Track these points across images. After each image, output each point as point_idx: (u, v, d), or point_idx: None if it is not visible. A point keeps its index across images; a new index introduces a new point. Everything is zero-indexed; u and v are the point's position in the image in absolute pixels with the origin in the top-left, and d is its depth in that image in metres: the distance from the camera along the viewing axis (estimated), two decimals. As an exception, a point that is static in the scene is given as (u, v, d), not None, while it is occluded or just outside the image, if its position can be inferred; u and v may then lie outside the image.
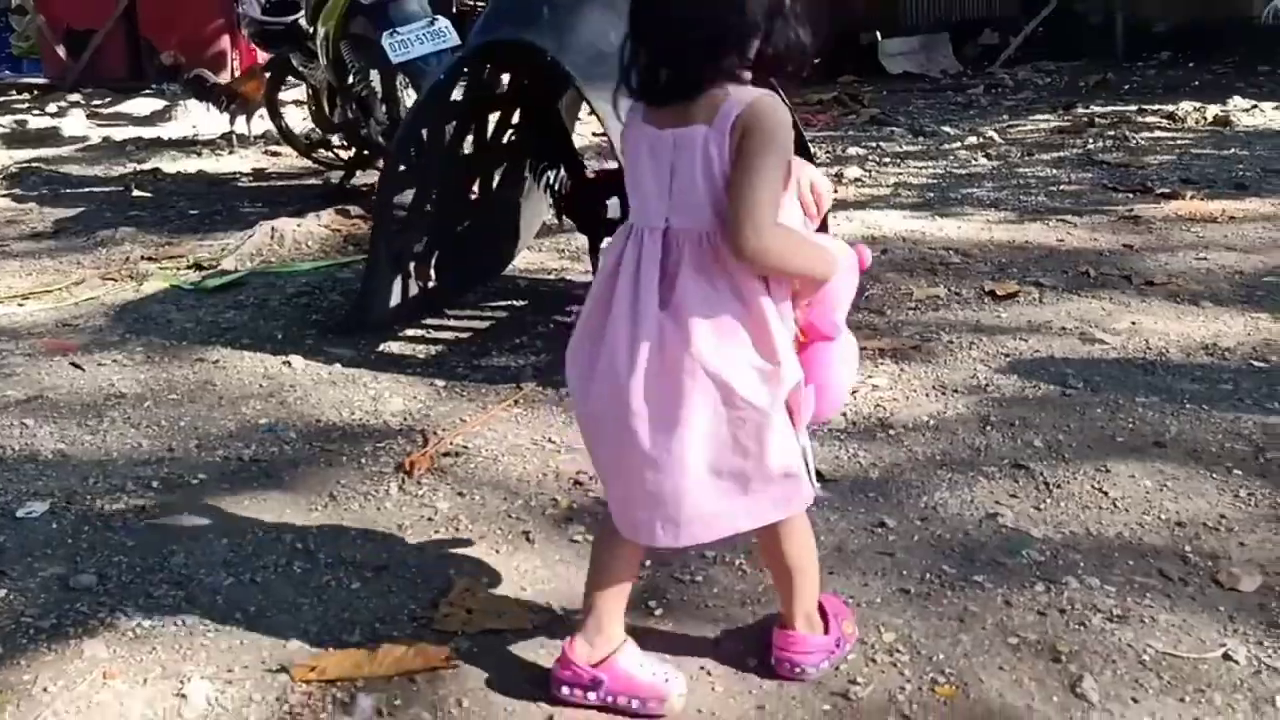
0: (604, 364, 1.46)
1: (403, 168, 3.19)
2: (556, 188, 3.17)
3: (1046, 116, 6.88)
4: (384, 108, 4.58)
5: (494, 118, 3.37)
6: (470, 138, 3.33)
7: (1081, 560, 1.91)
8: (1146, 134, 5.94)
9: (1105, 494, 2.15)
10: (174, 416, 2.64)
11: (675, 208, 1.43)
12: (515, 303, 3.48)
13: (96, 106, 8.88)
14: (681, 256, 1.42)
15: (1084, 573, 1.87)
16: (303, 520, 2.11)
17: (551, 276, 3.76)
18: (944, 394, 2.65)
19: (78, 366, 2.99)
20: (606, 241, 3.25)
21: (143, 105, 8.64)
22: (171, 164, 6.26)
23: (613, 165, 3.34)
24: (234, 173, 5.99)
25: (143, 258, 4.17)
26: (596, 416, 1.50)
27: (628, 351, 1.43)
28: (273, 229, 4.18)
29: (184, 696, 1.59)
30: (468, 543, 2.03)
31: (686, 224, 1.43)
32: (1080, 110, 6.83)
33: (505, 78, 3.31)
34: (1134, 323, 3.05)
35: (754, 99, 1.40)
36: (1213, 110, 6.33)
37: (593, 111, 2.66)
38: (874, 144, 6.07)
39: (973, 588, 1.84)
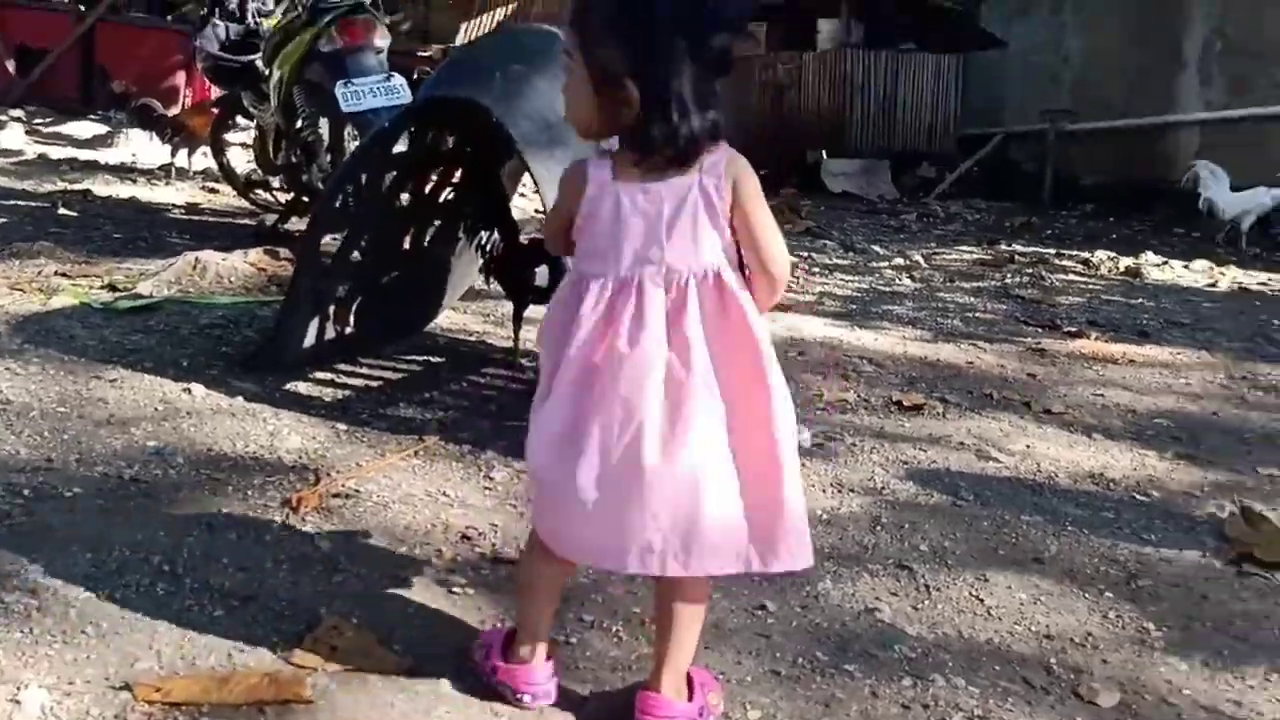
0: (617, 399, 1.51)
1: (335, 209, 3.19)
2: (489, 250, 3.20)
3: (971, 249, 7.14)
4: (329, 155, 4.60)
5: (435, 174, 3.41)
6: (408, 191, 3.35)
7: (950, 660, 1.94)
8: (1061, 276, 6.20)
9: (981, 601, 2.19)
10: (58, 429, 2.57)
11: (673, 252, 1.52)
12: (431, 358, 3.47)
13: (38, 124, 8.78)
14: (685, 297, 1.52)
15: (951, 673, 1.89)
16: (175, 544, 2.05)
17: (472, 338, 3.76)
18: (840, 491, 2.69)
19: (-32, 370, 2.90)
20: (533, 308, 3.32)
21: (85, 128, 8.57)
22: (104, 188, 6.19)
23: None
24: (167, 203, 5.93)
25: (56, 273, 4.09)
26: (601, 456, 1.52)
27: (650, 386, 1.50)
28: (196, 259, 4.13)
29: (18, 703, 1.52)
30: (343, 584, 1.99)
31: (688, 266, 1.53)
32: (1003, 247, 7.11)
33: (450, 137, 3.35)
34: (1028, 446, 3.14)
35: (730, 151, 1.55)
36: (1125, 261, 6.63)
37: (533, 178, 2.70)
38: (806, 254, 6.24)
39: (843, 675, 1.85)
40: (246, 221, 5.53)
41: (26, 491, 2.20)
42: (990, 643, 2.02)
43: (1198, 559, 2.46)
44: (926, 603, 2.15)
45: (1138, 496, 2.83)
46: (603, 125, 1.52)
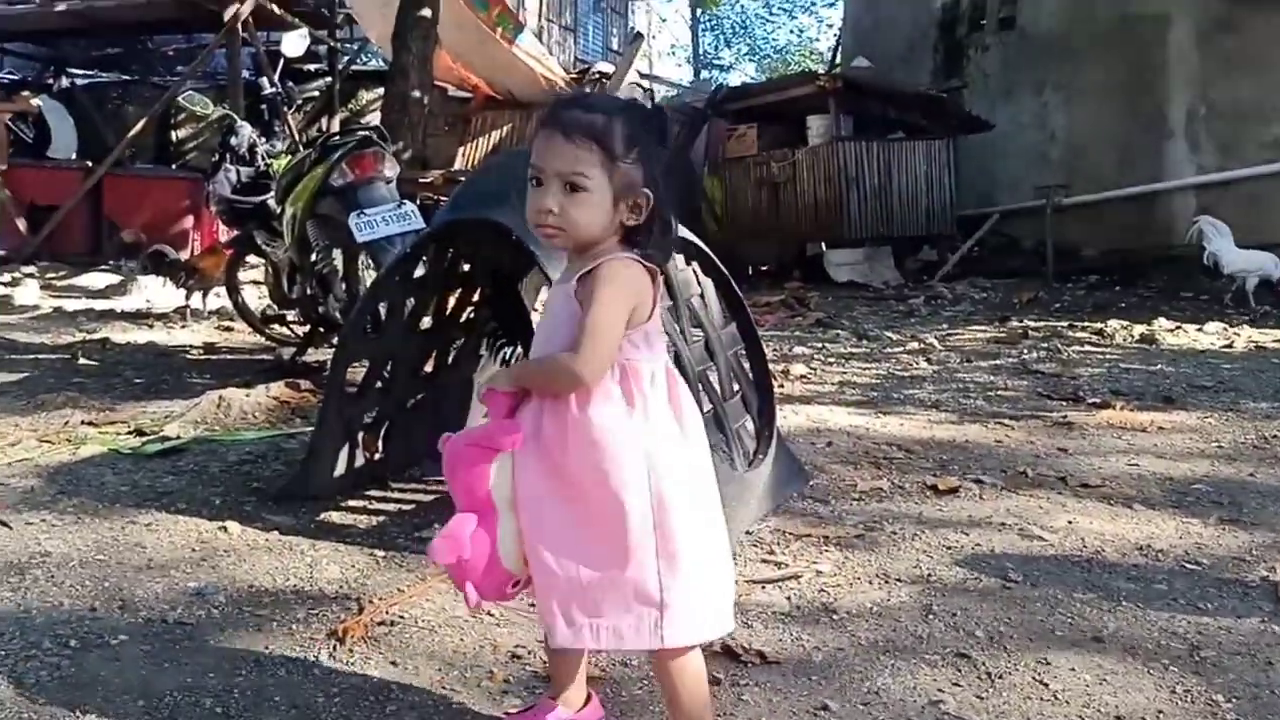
0: None
1: (360, 336, 3.23)
2: (512, 363, 3.23)
3: (983, 327, 7.18)
4: (344, 285, 4.67)
5: (455, 294, 3.46)
6: (429, 313, 3.40)
7: (1024, 750, 1.89)
8: (1077, 348, 6.21)
9: (1046, 685, 2.14)
10: (99, 577, 2.55)
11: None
12: (461, 478, 3.45)
13: (51, 279, 8.94)
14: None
15: (1027, 762, 1.84)
16: (225, 684, 2.03)
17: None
18: (887, 582, 2.66)
19: (4, 525, 2.90)
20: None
21: (98, 279, 8.72)
22: (122, 334, 6.27)
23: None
24: (185, 345, 6.00)
25: (82, 422, 4.12)
26: None
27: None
28: (220, 397, 4.17)
29: None
30: (398, 714, 1.95)
31: None
32: (1015, 323, 7.14)
33: (469, 258, 3.40)
34: (1070, 521, 3.11)
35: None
36: (1139, 329, 6.66)
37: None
38: (819, 344, 6.27)
39: (916, 774, 1.80)
40: (264, 357, 5.59)
41: (73, 642, 2.18)
42: (1062, 727, 1.97)
43: (1257, 625, 2.41)
44: (990, 691, 2.10)
45: (1188, 565, 2.79)
46: (604, 232, 1.67)
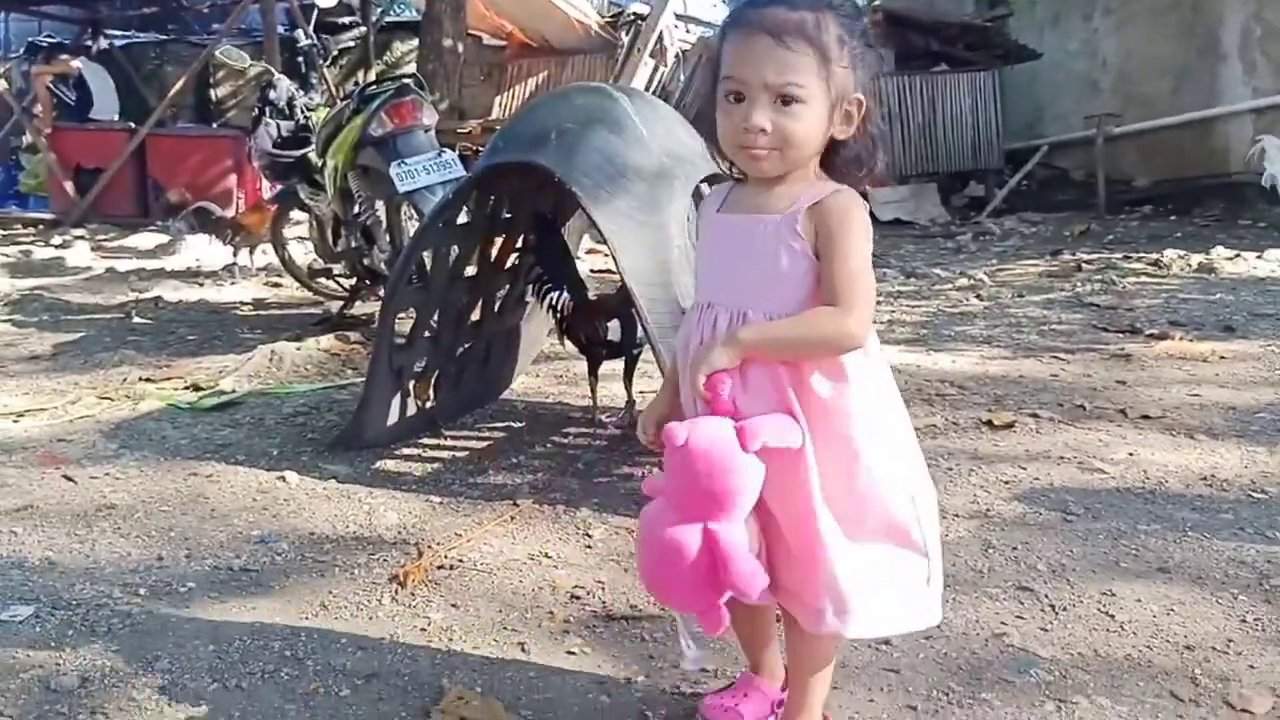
0: None
1: (405, 286, 3.23)
2: (560, 309, 3.22)
3: (1034, 261, 7.05)
4: (388, 236, 4.67)
5: (499, 241, 3.44)
6: (474, 260, 3.39)
7: (1091, 681, 1.87)
8: (1133, 279, 6.08)
9: (1112, 617, 2.11)
10: (164, 527, 2.60)
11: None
12: (513, 424, 3.47)
13: (101, 240, 9.04)
14: None
15: (1094, 693, 1.82)
16: (292, 628, 2.06)
17: (549, 400, 3.77)
18: (945, 518, 2.62)
19: (70, 479, 2.96)
20: (606, 365, 3.32)
21: (147, 239, 8.80)
22: (173, 293, 6.34)
23: (611, 291, 3.39)
24: (235, 302, 6.06)
25: (140, 379, 4.18)
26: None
27: None
28: (272, 351, 4.21)
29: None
30: (461, 653, 1.98)
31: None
32: (1067, 256, 7.01)
33: (511, 203, 3.38)
34: (1131, 454, 3.05)
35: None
36: (1197, 258, 6.50)
37: (598, 230, 2.71)
38: (867, 284, 6.19)
39: (981, 706, 1.79)
40: (312, 310, 5.63)
41: (143, 590, 2.23)
42: (1129, 658, 1.95)
43: (1329, 551, 2.36)
44: (1055, 623, 2.08)
45: (1254, 494, 2.74)
46: (817, 150, 1.49)
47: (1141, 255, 6.89)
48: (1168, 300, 5.39)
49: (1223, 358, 4.11)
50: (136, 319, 5.53)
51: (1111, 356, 4.19)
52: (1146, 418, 3.37)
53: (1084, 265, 6.61)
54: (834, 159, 1.49)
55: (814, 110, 1.43)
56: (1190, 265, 6.39)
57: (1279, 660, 1.93)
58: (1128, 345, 4.36)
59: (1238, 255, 6.64)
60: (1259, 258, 6.57)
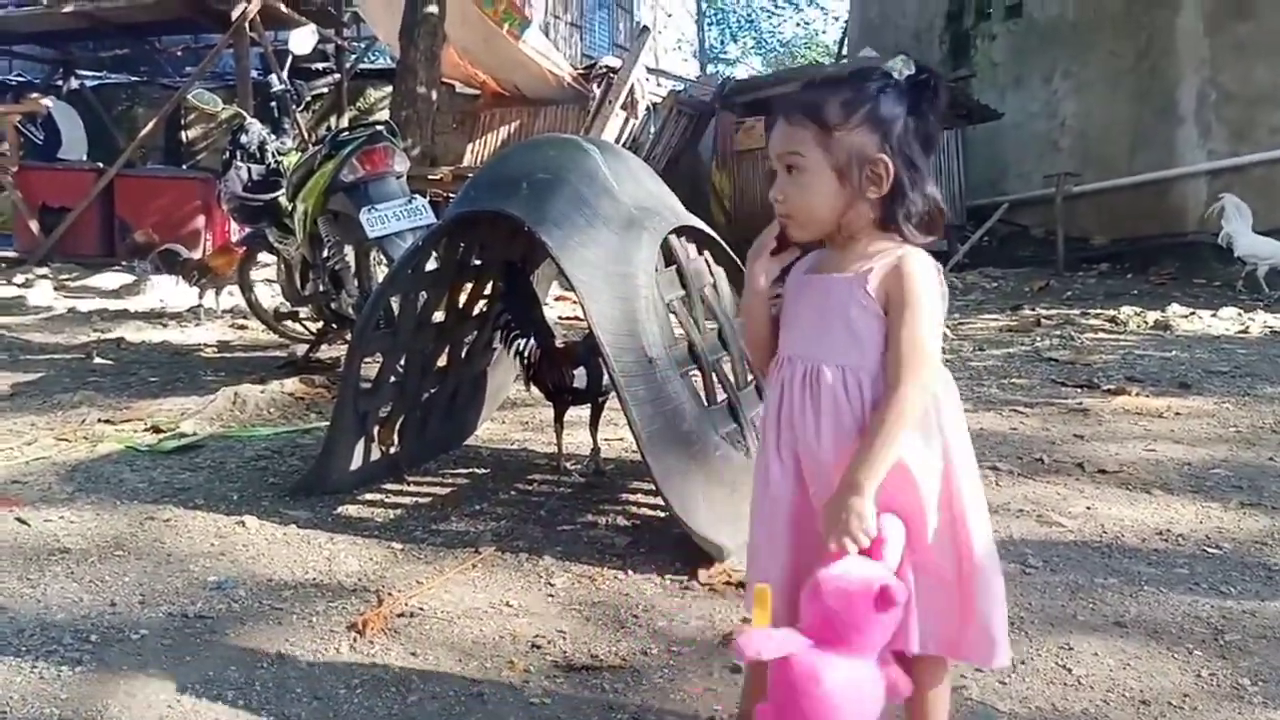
0: None
1: (373, 331, 3.23)
2: (527, 356, 3.23)
3: (995, 316, 7.16)
4: (356, 281, 4.67)
5: (467, 288, 3.45)
6: (443, 306, 3.40)
7: (1049, 734, 1.88)
8: (1091, 335, 6.18)
9: (1069, 671, 2.13)
10: (118, 572, 2.56)
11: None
12: (477, 470, 3.46)
13: (65, 280, 8.96)
14: None
15: (1051, 747, 1.83)
16: (247, 677, 2.03)
17: (514, 447, 3.76)
18: (905, 569, 2.64)
19: (23, 521, 2.91)
20: (571, 412, 3.32)
21: (111, 279, 8.74)
22: (136, 334, 6.28)
23: (578, 338, 3.41)
24: (199, 344, 6.02)
25: (99, 420, 4.13)
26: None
27: None
28: (235, 394, 4.18)
29: None
30: (419, 703, 1.95)
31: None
32: (1027, 311, 7.12)
33: (480, 250, 3.40)
34: (1089, 507, 3.09)
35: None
36: (1153, 315, 6.63)
37: (567, 279, 2.73)
38: (831, 336, 6.25)
39: (940, 759, 1.79)
40: (278, 354, 5.60)
41: (94, 637, 2.19)
42: (1086, 713, 1.96)
43: (1281, 608, 2.40)
44: (1014, 676, 2.09)
45: (1209, 549, 2.77)
46: (840, 213, 1.54)
47: (1099, 311, 7.01)
48: (1124, 356, 5.49)
49: (1178, 414, 4.18)
50: (98, 360, 5.47)
51: (1069, 411, 4.25)
52: (1103, 472, 3.42)
53: (1043, 320, 6.72)
54: (884, 218, 1.55)
55: (817, 176, 1.53)
56: (1146, 322, 6.51)
57: (1234, 716, 1.95)
58: (1085, 400, 4.42)
59: (1193, 313, 6.78)
60: (1214, 315, 6.71)
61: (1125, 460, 3.54)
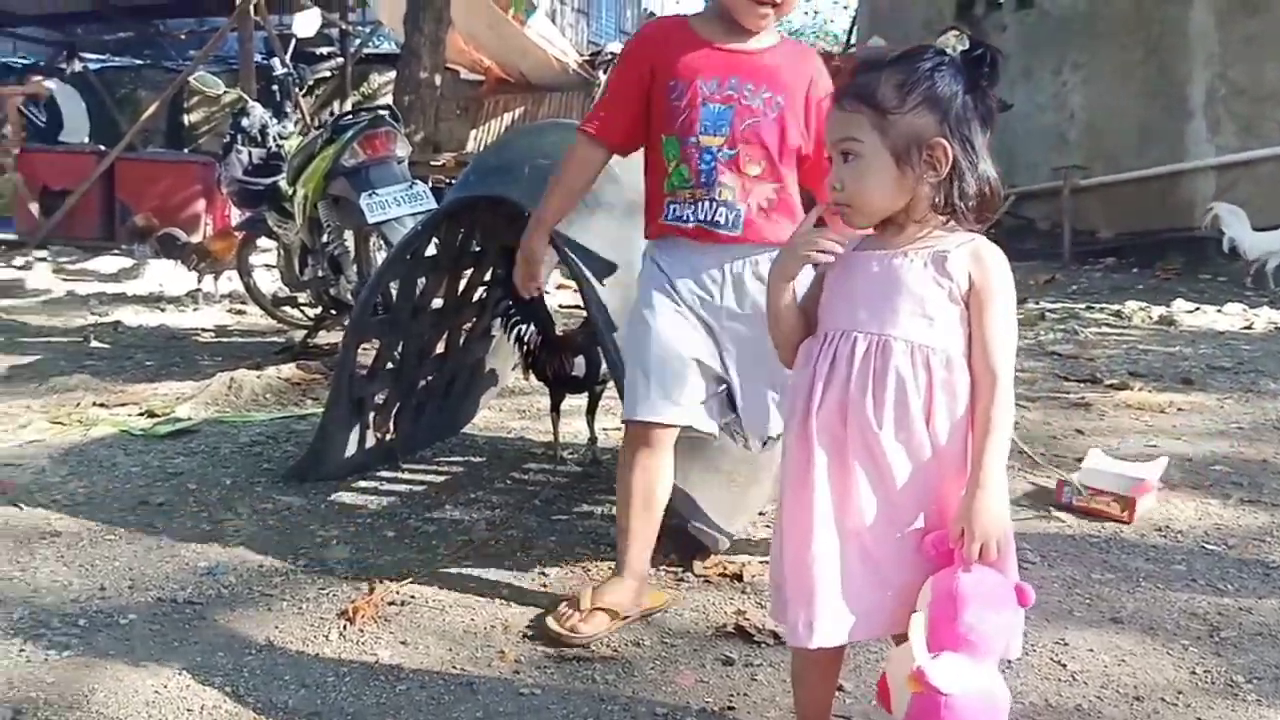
0: None
1: (370, 317, 3.21)
2: (526, 342, 3.20)
3: (999, 310, 7.10)
4: (355, 267, 4.65)
5: (467, 274, 3.43)
6: (441, 292, 3.37)
7: (1042, 730, 1.86)
8: (1095, 329, 6.15)
9: (1064, 666, 2.11)
10: (109, 557, 2.55)
11: None
12: (472, 458, 3.45)
13: (64, 263, 8.93)
14: None
15: (1045, 744, 1.82)
16: (235, 663, 2.01)
17: (510, 435, 3.74)
18: (901, 563, 2.62)
19: (15, 505, 2.90)
20: (568, 401, 3.30)
21: (110, 263, 8.70)
22: (134, 318, 6.27)
23: (578, 327, 3.38)
24: (196, 328, 5.99)
25: (94, 404, 4.11)
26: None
27: None
28: (231, 379, 4.16)
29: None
30: (407, 693, 1.94)
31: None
32: (1031, 305, 7.07)
33: (480, 236, 3.37)
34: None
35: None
36: (1158, 310, 6.58)
37: (568, 266, 2.70)
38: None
39: (932, 755, 1.77)
40: (275, 339, 5.58)
41: (82, 622, 2.18)
42: (1080, 709, 1.95)
43: (1278, 606, 2.38)
44: (1008, 671, 2.07)
45: (1207, 546, 2.75)
46: (898, 201, 1.51)
47: (1104, 306, 6.97)
48: (1128, 351, 5.45)
49: (1180, 409, 4.15)
50: (94, 343, 5.45)
51: (1071, 405, 4.22)
52: (1104, 467, 3.39)
53: (1048, 314, 6.68)
54: (940, 200, 1.51)
55: (874, 162, 1.48)
56: (1151, 317, 6.47)
57: (1227, 713, 1.93)
58: (1088, 394, 4.40)
59: (1198, 308, 6.74)
60: (1219, 311, 6.67)
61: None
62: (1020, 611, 1.48)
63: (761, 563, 2.57)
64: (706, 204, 2.20)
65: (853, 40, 15.62)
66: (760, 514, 2.89)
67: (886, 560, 1.51)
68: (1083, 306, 7.00)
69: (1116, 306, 6.84)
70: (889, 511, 1.51)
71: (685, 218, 2.22)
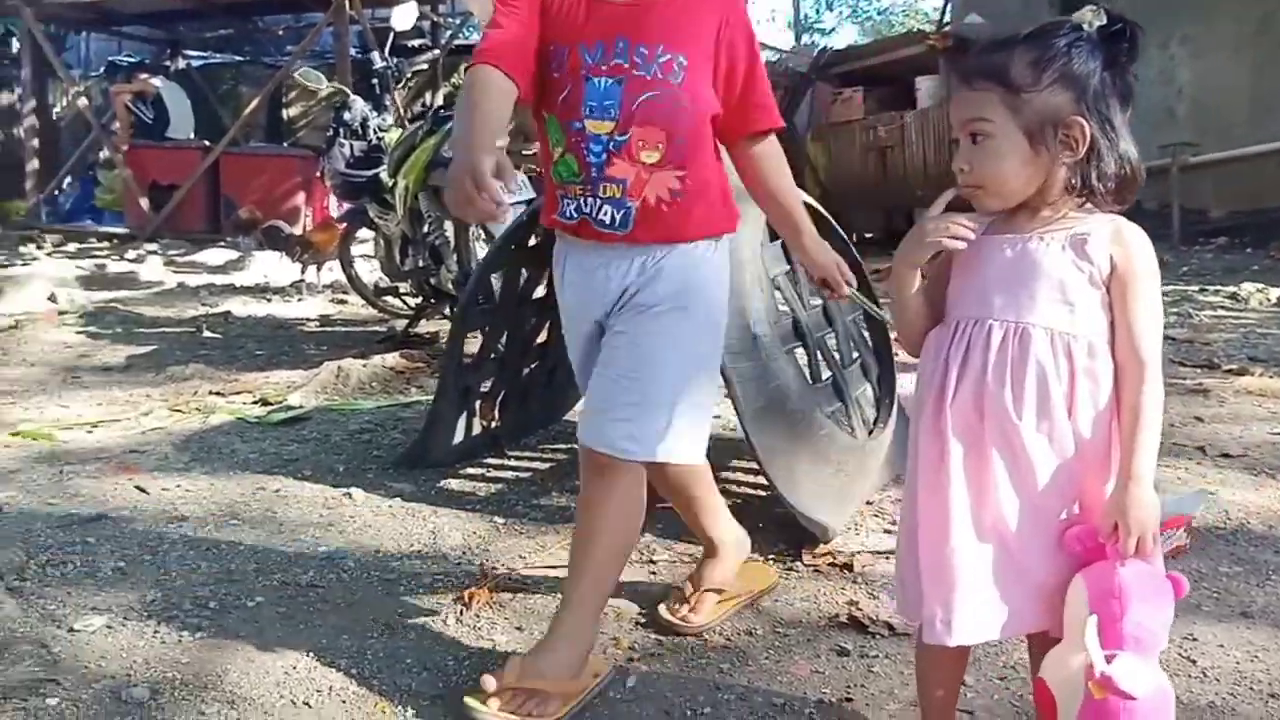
0: None
1: (476, 307, 3.25)
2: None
3: (1105, 293, 6.89)
4: (455, 256, 4.71)
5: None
6: (544, 282, 3.39)
7: (1174, 729, 1.80)
8: (1210, 312, 5.93)
9: (1194, 662, 2.04)
10: (234, 541, 2.63)
11: None
12: (575, 446, 3.46)
13: (173, 255, 9.25)
14: None
15: (1178, 742, 1.76)
16: (358, 646, 2.06)
17: (612, 423, 3.75)
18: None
19: (142, 490, 3.01)
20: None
21: (217, 255, 8.98)
22: (242, 308, 6.46)
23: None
24: (302, 318, 6.15)
25: (210, 392, 4.25)
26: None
27: None
28: (339, 368, 4.26)
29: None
30: (526, 678, 1.96)
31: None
32: (1140, 288, 6.85)
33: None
34: (1212, 493, 2.96)
35: None
36: (1275, 292, 6.31)
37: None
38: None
39: (1059, 751, 1.73)
40: (377, 328, 5.70)
41: (213, 604, 2.25)
42: (1213, 705, 1.88)
43: None
44: (1135, 666, 2.01)
45: (1340, 538, 2.64)
46: (1033, 184, 1.46)
47: (1218, 288, 6.71)
48: (1246, 335, 5.25)
49: (1305, 396, 3.98)
50: (207, 333, 5.64)
51: (1189, 392, 4.07)
52: (1227, 455, 3.27)
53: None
54: (1076, 182, 1.46)
55: (1006, 142, 1.43)
56: (1269, 299, 6.21)
57: (1372, 714, 1.85)
58: (1205, 380, 4.24)
59: (1318, 289, 6.44)
60: (1341, 293, 6.37)
61: (1250, 443, 3.38)
62: (1174, 604, 1.44)
63: (872, 553, 2.54)
64: (591, 200, 1.86)
65: (946, 19, 15.26)
66: (868, 503, 2.85)
67: (1027, 556, 1.47)
68: (1195, 289, 6.75)
69: (1232, 288, 6.58)
70: (1030, 505, 1.47)
71: (570, 214, 1.91)
